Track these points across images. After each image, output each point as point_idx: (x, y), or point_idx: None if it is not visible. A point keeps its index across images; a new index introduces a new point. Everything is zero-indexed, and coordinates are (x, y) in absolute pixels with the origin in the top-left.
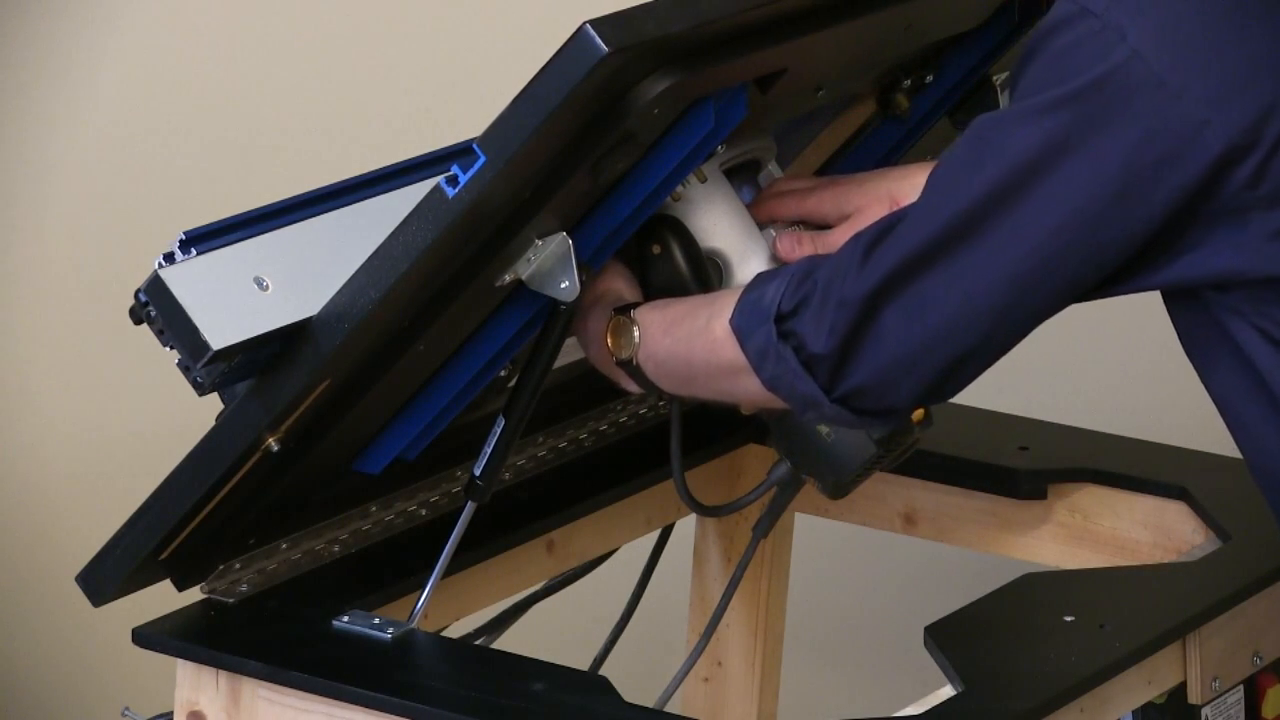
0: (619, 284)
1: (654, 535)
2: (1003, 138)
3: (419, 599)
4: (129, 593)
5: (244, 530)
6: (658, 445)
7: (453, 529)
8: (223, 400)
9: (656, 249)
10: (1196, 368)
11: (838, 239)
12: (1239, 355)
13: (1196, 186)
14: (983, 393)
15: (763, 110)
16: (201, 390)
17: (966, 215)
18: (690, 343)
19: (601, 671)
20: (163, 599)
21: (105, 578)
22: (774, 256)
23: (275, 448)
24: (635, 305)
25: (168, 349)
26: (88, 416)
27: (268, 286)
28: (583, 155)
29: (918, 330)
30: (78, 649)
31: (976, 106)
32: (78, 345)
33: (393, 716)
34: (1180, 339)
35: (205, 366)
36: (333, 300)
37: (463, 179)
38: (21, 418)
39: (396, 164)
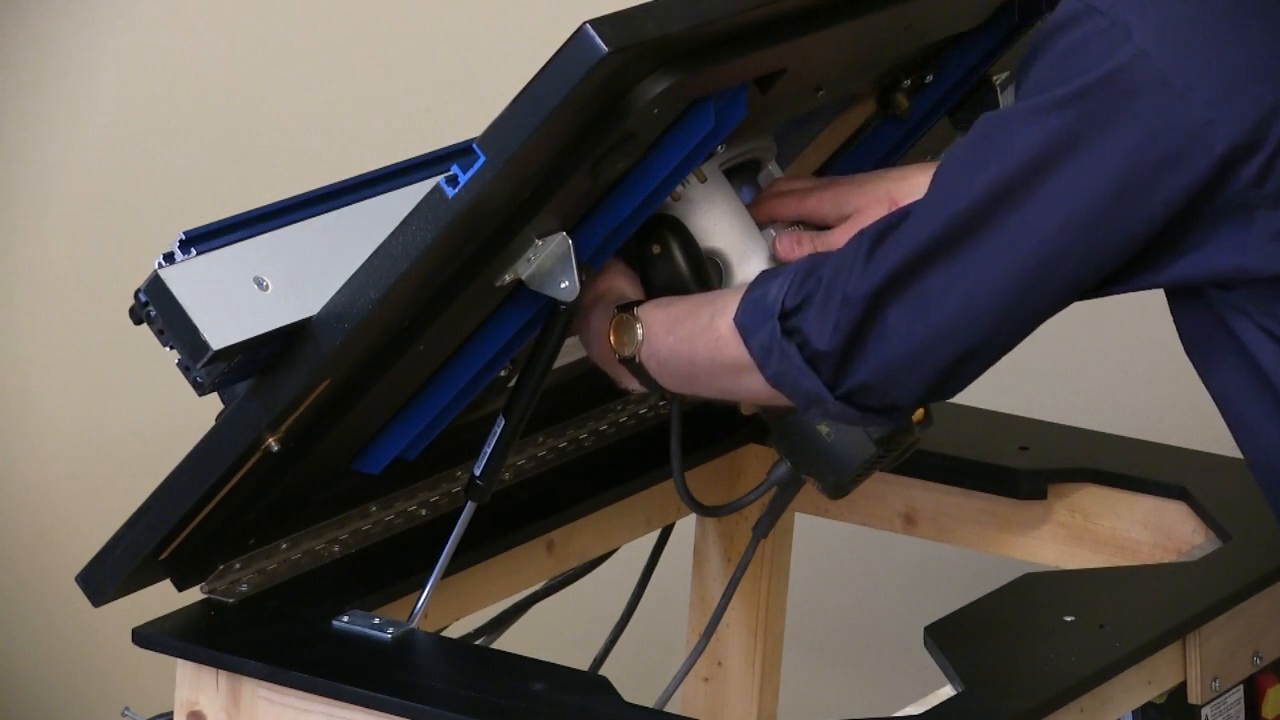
0: (621, 282)
1: (654, 535)
2: (1008, 136)
3: (419, 599)
4: (129, 593)
5: (244, 530)
6: (658, 445)
7: (453, 529)
8: (223, 400)
9: (656, 249)
10: (1197, 367)
11: (837, 239)
12: (1242, 354)
13: (1201, 185)
14: (983, 393)
15: (763, 110)
16: (201, 390)
17: (971, 213)
18: (693, 340)
19: (601, 671)
20: (163, 599)
21: (105, 578)
22: (774, 256)
23: (275, 448)
24: (638, 303)
25: (168, 349)
26: (88, 416)
27: (268, 286)
28: (583, 155)
29: (921, 327)
30: (78, 649)
31: (976, 106)
32: (78, 345)
33: (393, 716)
34: (1181, 338)
35: (205, 366)
36: (333, 300)
37: (463, 179)
38: (21, 418)
39: (396, 164)
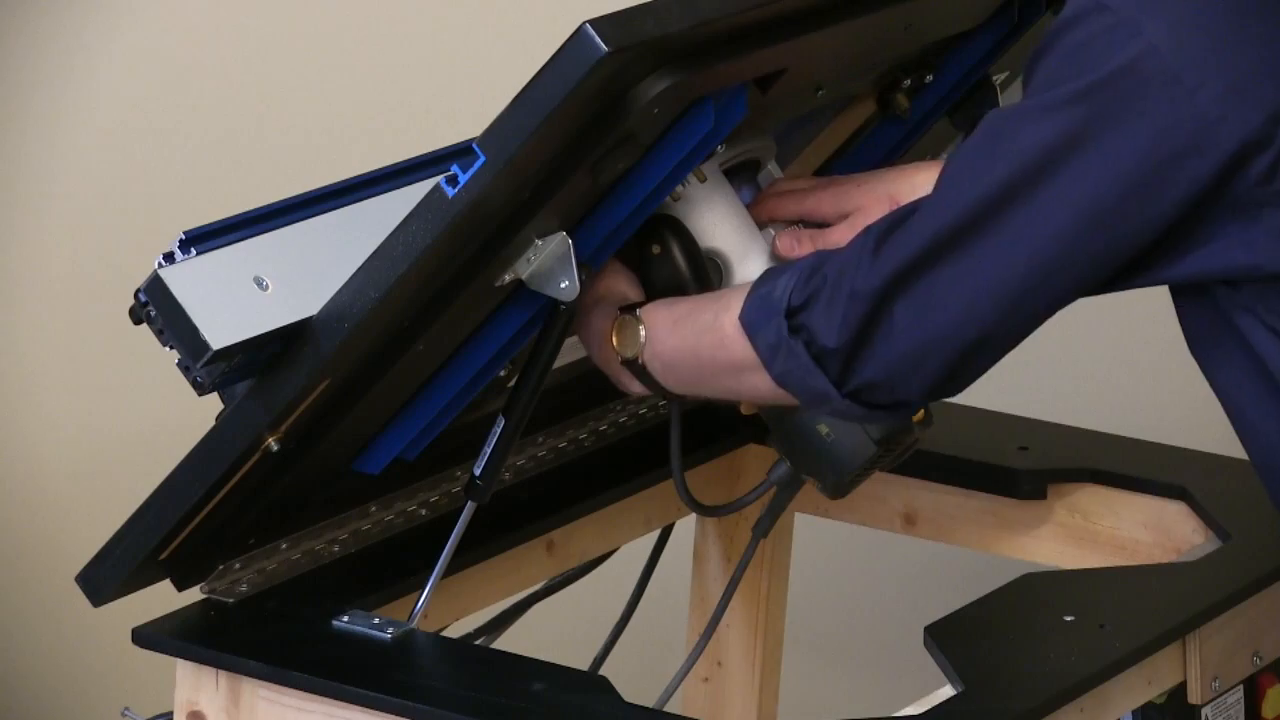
0: (621, 284)
1: (654, 535)
2: (1016, 133)
3: (419, 599)
4: (129, 593)
5: (244, 530)
6: (658, 445)
7: (453, 529)
8: (223, 400)
9: (656, 249)
10: (1201, 365)
11: (837, 237)
12: (1248, 353)
13: (1209, 182)
14: (983, 393)
15: (763, 110)
16: (201, 390)
17: (979, 210)
18: (698, 339)
19: (601, 671)
20: (163, 599)
21: (105, 578)
22: (774, 255)
23: (275, 448)
24: (640, 304)
25: (168, 349)
26: (88, 416)
27: (268, 286)
28: (582, 155)
29: (928, 323)
30: (78, 649)
31: (976, 106)
32: (78, 345)
33: (393, 716)
34: (1186, 335)
35: (205, 366)
36: (333, 300)
37: (463, 179)
38: (21, 418)
39: (396, 164)
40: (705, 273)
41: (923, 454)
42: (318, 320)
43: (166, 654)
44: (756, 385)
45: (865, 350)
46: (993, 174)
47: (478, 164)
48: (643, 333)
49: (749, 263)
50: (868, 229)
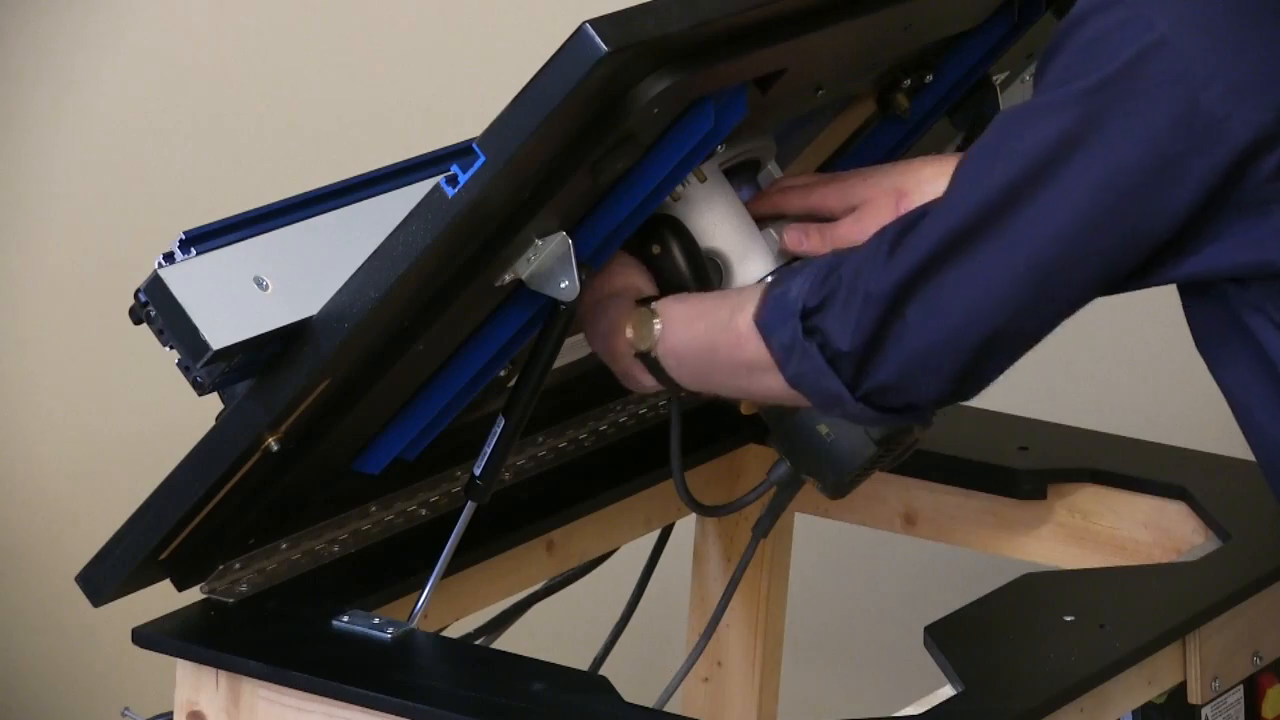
0: (637, 278)
1: (654, 535)
2: (1027, 129)
3: (419, 599)
4: (129, 593)
5: (244, 530)
6: (658, 445)
7: (453, 529)
8: (223, 400)
9: (656, 249)
10: (1209, 363)
11: (844, 231)
12: (1256, 351)
13: (1220, 179)
14: (983, 393)
15: (763, 110)
16: (201, 390)
17: (990, 207)
18: (713, 337)
19: (601, 671)
20: (163, 599)
21: (105, 578)
22: (781, 250)
23: (275, 448)
24: (657, 297)
25: (168, 349)
26: (88, 416)
27: (268, 286)
28: (582, 155)
29: (938, 326)
30: (78, 649)
31: (976, 106)
32: (78, 345)
33: (393, 716)
34: (1194, 334)
35: (205, 366)
36: (333, 300)
37: (463, 179)
38: (21, 418)
39: (396, 164)
40: (705, 273)
41: (923, 454)
42: (318, 320)
43: (166, 654)
44: (769, 386)
45: (879, 353)
46: (1004, 171)
47: (478, 164)
48: (658, 327)
49: (749, 263)
50: (882, 231)
